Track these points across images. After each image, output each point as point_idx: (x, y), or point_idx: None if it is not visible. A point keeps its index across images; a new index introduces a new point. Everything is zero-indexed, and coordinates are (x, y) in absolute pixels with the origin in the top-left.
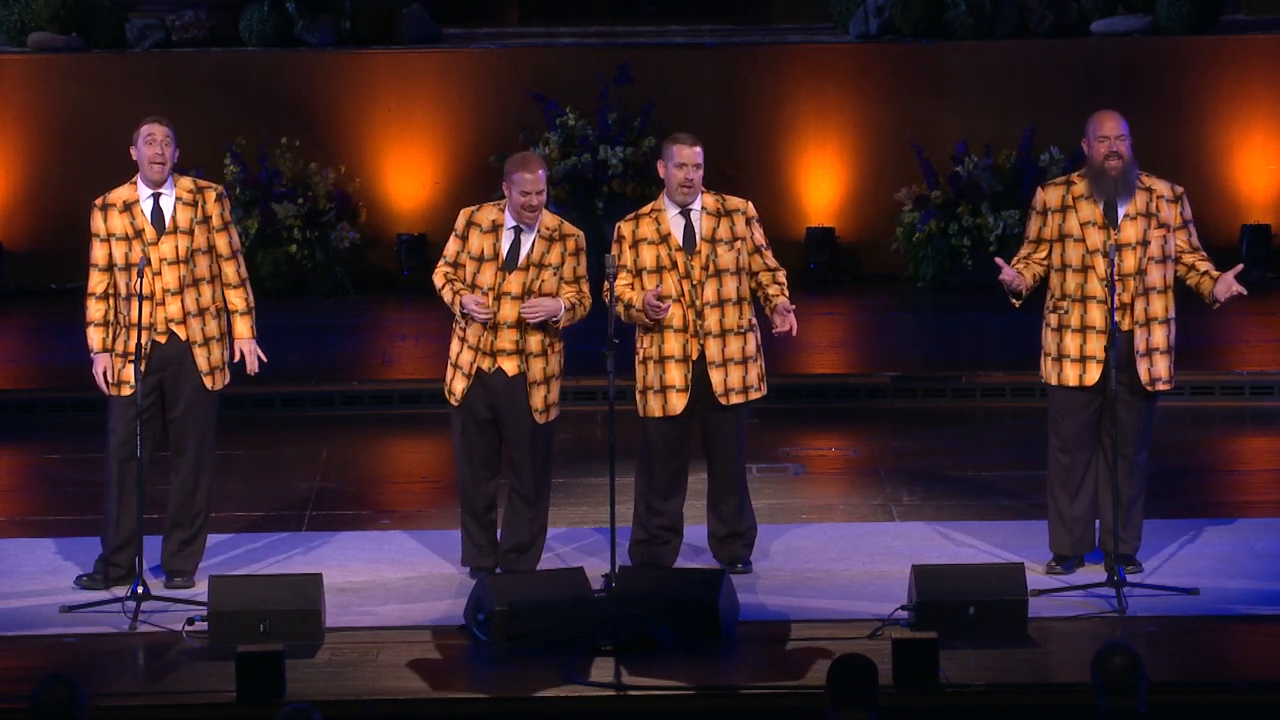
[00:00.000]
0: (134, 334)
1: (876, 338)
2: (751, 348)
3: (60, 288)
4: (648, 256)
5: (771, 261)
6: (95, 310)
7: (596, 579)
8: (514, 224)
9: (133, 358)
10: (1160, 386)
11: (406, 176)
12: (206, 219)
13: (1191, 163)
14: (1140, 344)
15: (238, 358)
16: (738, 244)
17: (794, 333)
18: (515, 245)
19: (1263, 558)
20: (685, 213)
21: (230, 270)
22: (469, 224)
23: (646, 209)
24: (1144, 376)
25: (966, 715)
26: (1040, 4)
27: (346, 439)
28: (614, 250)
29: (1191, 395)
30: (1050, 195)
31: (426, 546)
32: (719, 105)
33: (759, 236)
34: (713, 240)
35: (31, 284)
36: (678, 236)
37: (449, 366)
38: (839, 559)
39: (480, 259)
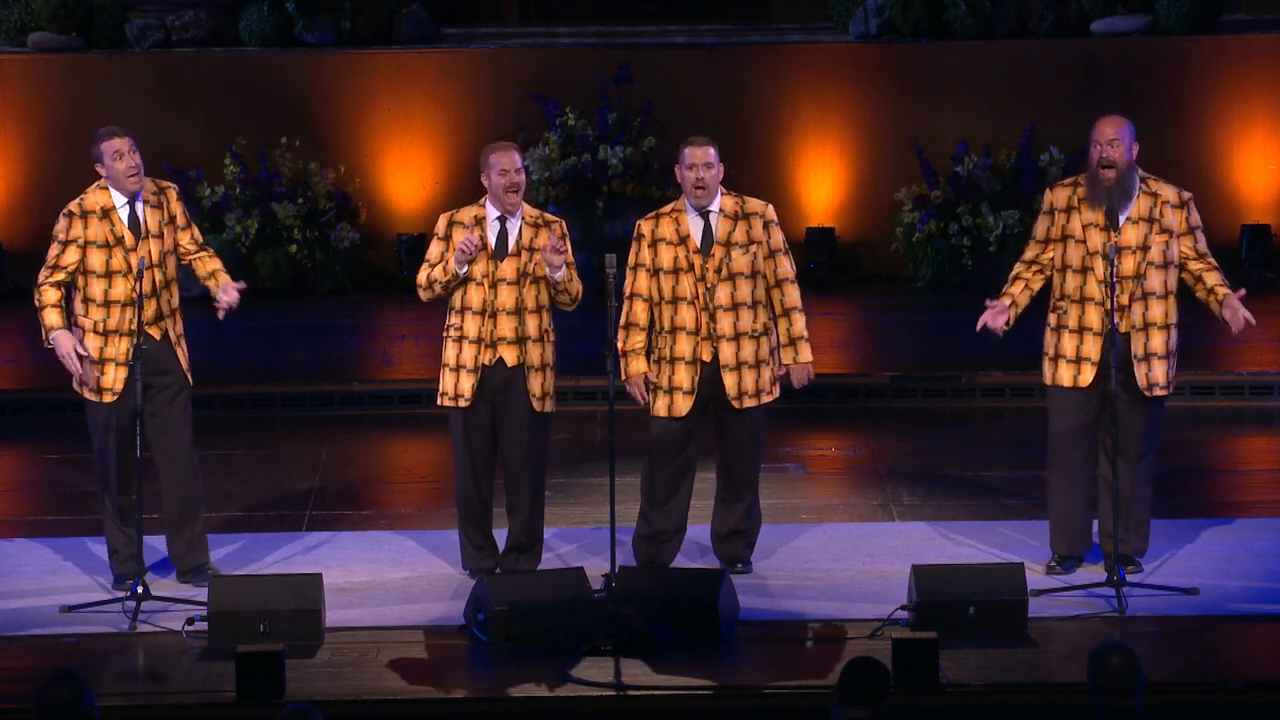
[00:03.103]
0: (120, 340)
1: (876, 338)
2: (765, 351)
3: None
4: (665, 257)
5: (783, 269)
6: (53, 294)
7: (596, 579)
8: (498, 214)
9: (119, 361)
10: (1157, 391)
11: (406, 176)
12: (172, 219)
13: (1191, 163)
14: (1138, 348)
15: (223, 298)
16: (753, 247)
17: (808, 380)
18: (503, 234)
19: (1263, 558)
20: (704, 214)
21: (202, 251)
22: (450, 224)
23: (668, 208)
24: (1141, 381)
25: (966, 715)
26: (1040, 4)
27: (346, 439)
28: (633, 249)
29: (1191, 395)
30: (1057, 196)
31: (426, 547)
32: (719, 105)
33: (776, 240)
34: (727, 244)
35: (31, 284)
36: (696, 238)
37: (448, 372)
38: (839, 559)
39: None
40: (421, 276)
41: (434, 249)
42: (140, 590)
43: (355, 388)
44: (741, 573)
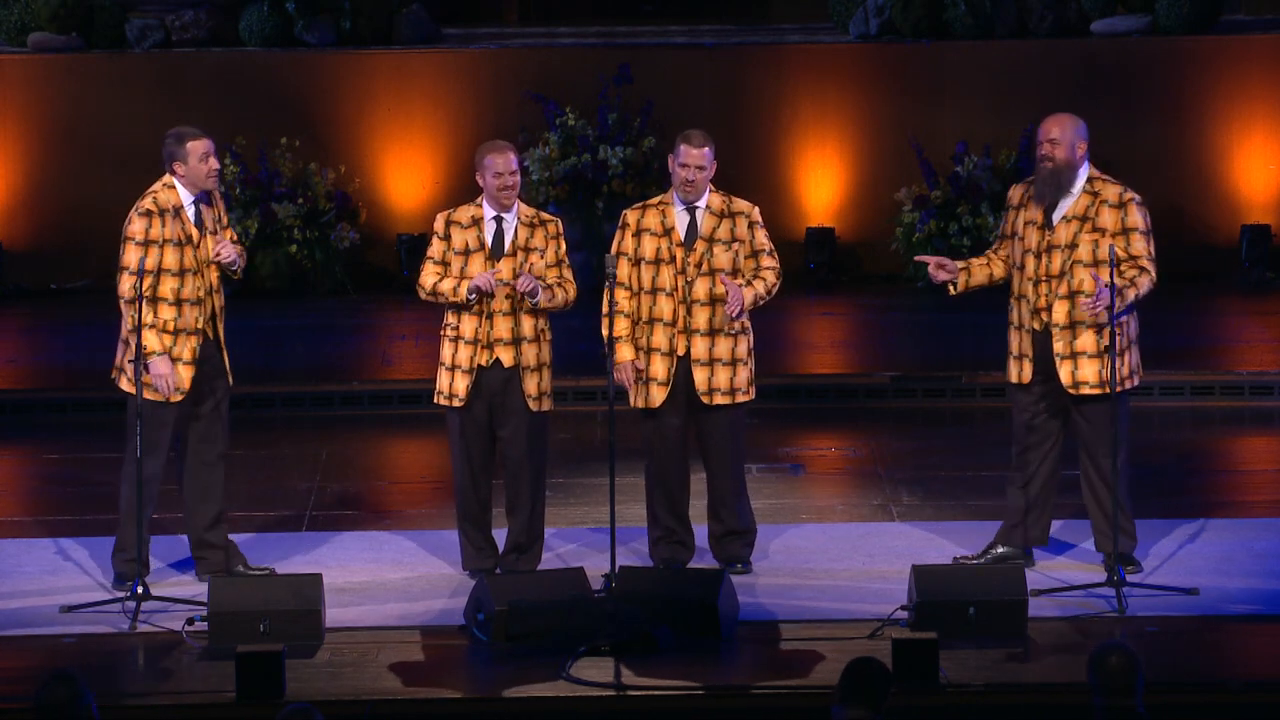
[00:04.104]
0: (188, 339)
1: (876, 338)
2: (742, 350)
3: (60, 287)
4: (648, 247)
5: (765, 263)
6: (148, 314)
7: (596, 579)
8: (494, 214)
9: (185, 360)
10: (1086, 390)
11: (406, 176)
12: (219, 219)
13: (1191, 163)
14: (1062, 347)
15: (223, 253)
16: (735, 245)
17: (731, 310)
18: (499, 234)
19: (1263, 558)
20: (691, 209)
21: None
22: (448, 223)
23: (655, 200)
24: (1065, 379)
25: (966, 715)
26: (1040, 4)
27: (346, 439)
28: (617, 236)
29: (1191, 395)
30: (1014, 192)
31: (426, 547)
32: (719, 105)
33: (760, 240)
34: (711, 239)
35: (31, 284)
36: (680, 231)
37: (444, 371)
38: (839, 559)
39: (466, 252)
40: (427, 281)
41: (435, 247)
42: (140, 590)
43: (355, 388)
44: (741, 573)
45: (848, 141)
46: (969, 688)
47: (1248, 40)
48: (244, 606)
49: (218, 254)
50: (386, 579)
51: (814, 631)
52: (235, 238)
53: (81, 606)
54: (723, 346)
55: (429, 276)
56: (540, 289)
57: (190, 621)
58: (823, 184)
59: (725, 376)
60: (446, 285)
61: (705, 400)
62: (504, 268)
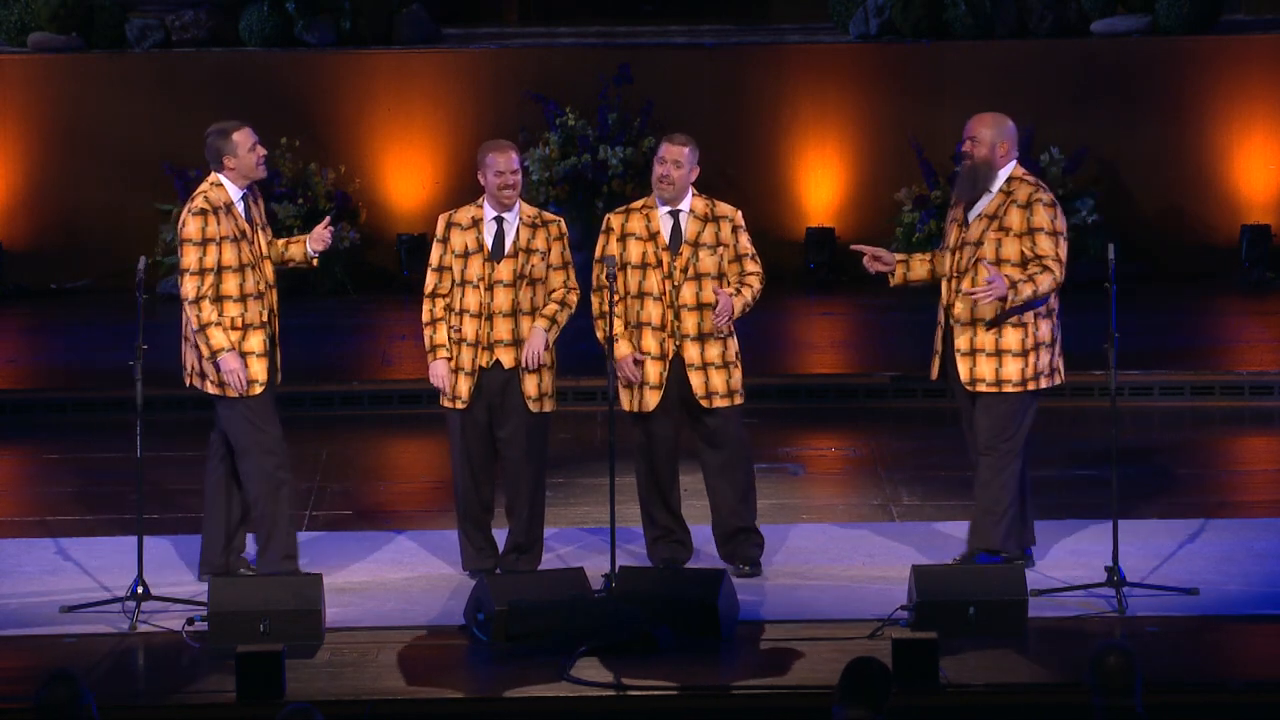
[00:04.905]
0: (256, 332)
1: (876, 338)
2: (732, 353)
3: (60, 287)
4: (634, 252)
5: (749, 267)
6: (212, 312)
7: (596, 579)
8: (495, 214)
9: (258, 353)
10: (981, 388)
11: (406, 176)
12: (262, 214)
13: (1191, 163)
14: (962, 343)
15: (318, 246)
16: (720, 250)
17: (720, 320)
18: (499, 235)
19: (1263, 558)
20: (674, 213)
21: (274, 239)
22: (449, 225)
23: (638, 204)
24: (964, 375)
25: (966, 715)
26: (1040, 4)
27: (346, 439)
28: (600, 241)
29: (1191, 395)
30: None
31: (426, 547)
32: (719, 105)
33: (743, 245)
34: (696, 244)
35: (31, 284)
36: (665, 235)
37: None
38: (839, 559)
39: (465, 254)
40: (425, 311)
41: (435, 253)
42: (140, 590)
43: (355, 388)
44: (750, 575)
45: (848, 141)
46: (969, 688)
47: (1248, 40)
48: (244, 606)
49: (322, 238)
50: (386, 579)
51: (814, 631)
52: (328, 223)
53: (81, 606)
54: (713, 350)
55: (427, 310)
56: (544, 343)
57: (190, 621)
58: (823, 184)
59: (721, 379)
60: (427, 336)
61: (705, 404)
62: (505, 270)
